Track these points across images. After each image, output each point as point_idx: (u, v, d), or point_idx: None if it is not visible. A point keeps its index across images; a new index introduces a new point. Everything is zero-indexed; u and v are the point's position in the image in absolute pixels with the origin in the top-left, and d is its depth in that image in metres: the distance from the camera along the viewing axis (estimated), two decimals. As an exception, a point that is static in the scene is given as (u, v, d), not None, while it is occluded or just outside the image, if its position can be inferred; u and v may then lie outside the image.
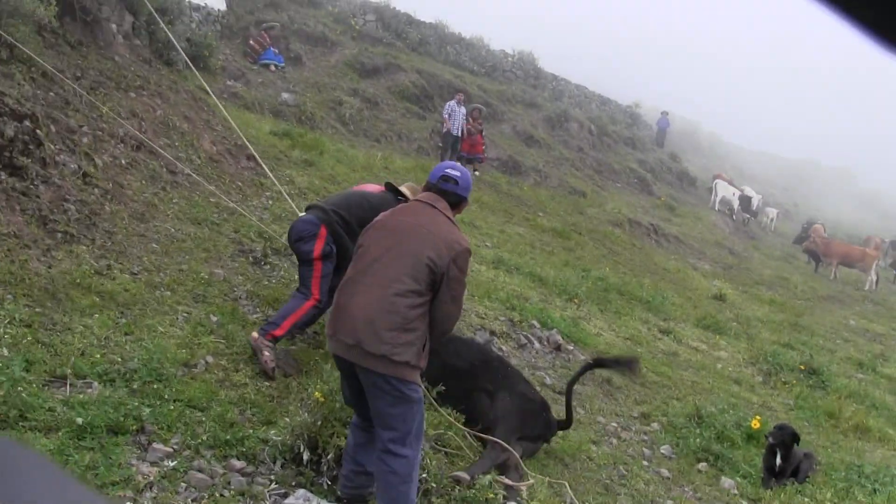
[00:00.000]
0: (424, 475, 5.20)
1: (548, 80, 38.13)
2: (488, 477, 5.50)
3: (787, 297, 21.29)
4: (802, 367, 12.61)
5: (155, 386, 5.44)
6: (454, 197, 4.81)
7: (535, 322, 10.09)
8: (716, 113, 71.42)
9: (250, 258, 8.76)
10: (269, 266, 8.78)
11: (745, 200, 33.31)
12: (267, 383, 6.14)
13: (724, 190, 32.99)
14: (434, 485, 5.22)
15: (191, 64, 10.35)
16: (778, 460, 7.84)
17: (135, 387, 5.35)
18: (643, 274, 17.17)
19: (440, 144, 21.73)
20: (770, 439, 7.84)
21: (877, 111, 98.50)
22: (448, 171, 4.88)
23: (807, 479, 7.94)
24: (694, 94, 76.77)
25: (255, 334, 6.40)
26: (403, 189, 6.91)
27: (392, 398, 4.36)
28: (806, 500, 7.46)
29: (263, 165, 9.73)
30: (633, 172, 31.32)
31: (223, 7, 23.60)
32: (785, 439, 7.76)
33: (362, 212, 6.55)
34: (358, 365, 4.35)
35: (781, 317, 17.80)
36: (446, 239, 4.50)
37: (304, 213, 6.93)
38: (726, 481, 7.60)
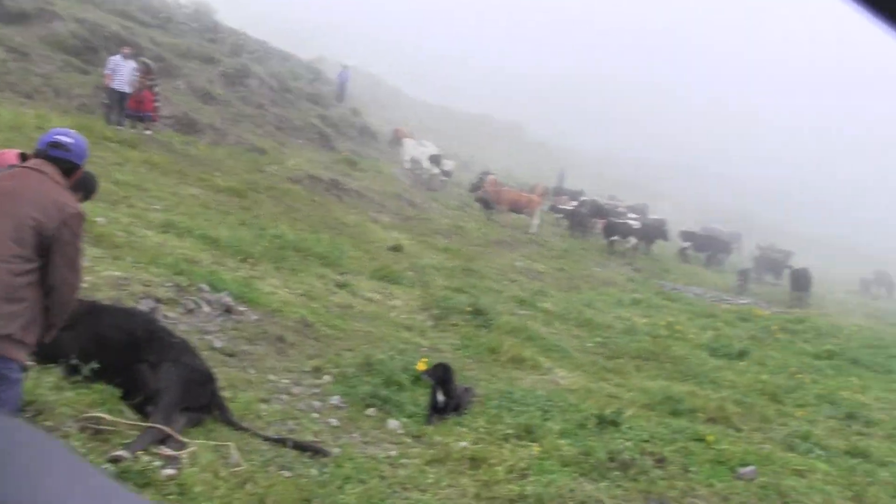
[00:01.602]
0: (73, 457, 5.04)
1: (227, 34, 37.24)
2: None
3: (462, 244, 22.66)
4: (469, 309, 13.56)
5: None
6: (65, 164, 4.59)
7: (204, 285, 9.95)
8: (399, 67, 73.38)
9: None
10: None
11: (437, 160, 34.38)
12: None
13: (413, 149, 34.02)
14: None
15: None
16: (440, 397, 8.45)
17: None
18: (322, 229, 17.45)
19: (106, 101, 20.49)
20: (427, 378, 8.45)
21: (542, 69, 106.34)
22: (58, 137, 4.67)
23: (465, 411, 8.64)
24: (379, 48, 78.35)
25: None
26: None
27: None
28: (464, 429, 8.10)
29: None
30: (315, 128, 31.53)
31: None
32: (441, 375, 8.39)
33: None
34: None
35: (455, 263, 18.95)
36: (55, 201, 4.31)
37: None
38: (392, 422, 8.06)
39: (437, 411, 8.46)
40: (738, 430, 10.27)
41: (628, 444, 8.23)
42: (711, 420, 10.36)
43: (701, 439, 9.02)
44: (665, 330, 16.55)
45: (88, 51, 23.84)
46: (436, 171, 33.80)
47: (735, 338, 17.29)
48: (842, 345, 18.19)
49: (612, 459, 7.67)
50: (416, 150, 34.04)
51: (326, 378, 8.89)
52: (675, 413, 10.39)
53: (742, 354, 15.60)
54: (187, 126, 23.37)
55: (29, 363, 4.58)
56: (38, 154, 4.62)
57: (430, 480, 6.65)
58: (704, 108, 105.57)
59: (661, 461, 8.01)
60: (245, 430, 6.81)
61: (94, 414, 5.78)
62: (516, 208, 29.93)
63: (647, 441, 8.54)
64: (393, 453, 7.20)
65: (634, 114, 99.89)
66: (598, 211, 34.04)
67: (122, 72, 19.73)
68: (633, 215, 35.41)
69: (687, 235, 35.94)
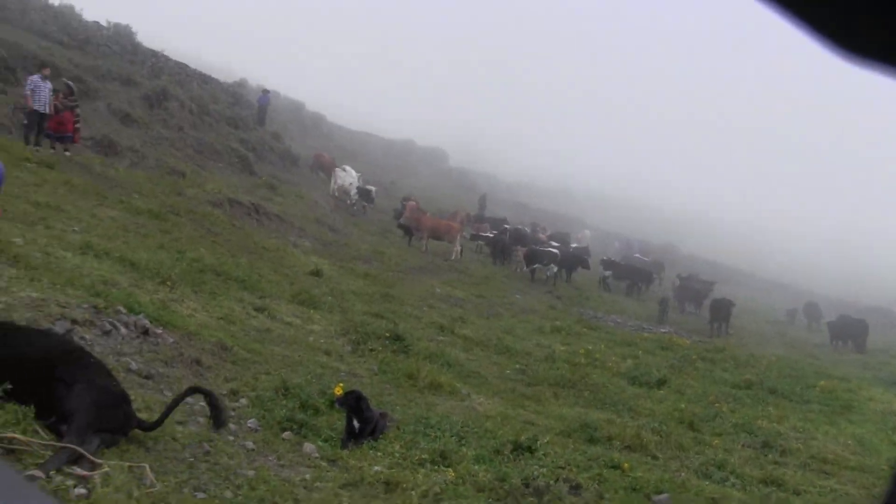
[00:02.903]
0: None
1: (146, 55, 36.67)
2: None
3: (382, 269, 22.71)
4: (388, 335, 13.60)
5: None
6: None
7: (121, 308, 9.77)
8: (321, 94, 73.21)
9: None
10: None
11: (366, 193, 34.74)
12: None
13: (343, 178, 34.13)
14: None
15: None
16: (355, 423, 8.46)
17: None
18: (241, 253, 17.30)
19: (25, 122, 20.04)
20: (339, 406, 8.48)
21: (464, 98, 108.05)
22: None
23: (381, 436, 8.66)
24: (301, 76, 78.21)
25: None
26: None
27: None
28: (379, 454, 8.14)
29: None
30: (235, 152, 31.25)
31: None
32: (353, 404, 8.41)
33: None
34: None
35: (374, 289, 18.97)
36: None
37: None
38: (308, 446, 8.02)
39: (353, 436, 8.48)
40: (655, 457, 10.49)
41: (543, 470, 8.37)
42: (628, 448, 10.56)
43: (617, 466, 9.20)
44: (584, 358, 16.78)
45: (5, 70, 23.34)
46: (357, 197, 34.02)
47: (654, 366, 17.62)
48: (760, 374, 18.64)
49: (526, 485, 7.77)
50: (345, 178, 34.16)
51: (243, 401, 8.82)
52: (592, 440, 10.58)
53: (661, 383, 15.91)
54: (107, 148, 23.00)
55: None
56: None
57: (343, 503, 6.64)
58: (632, 137, 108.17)
59: (576, 487, 8.15)
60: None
61: (6, 434, 5.66)
62: (436, 235, 30.10)
63: (562, 468, 8.68)
64: (308, 476, 7.16)
65: (559, 143, 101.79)
66: (520, 238, 34.45)
67: (42, 93, 19.36)
68: (555, 243, 35.85)
69: (608, 264, 36.48)
